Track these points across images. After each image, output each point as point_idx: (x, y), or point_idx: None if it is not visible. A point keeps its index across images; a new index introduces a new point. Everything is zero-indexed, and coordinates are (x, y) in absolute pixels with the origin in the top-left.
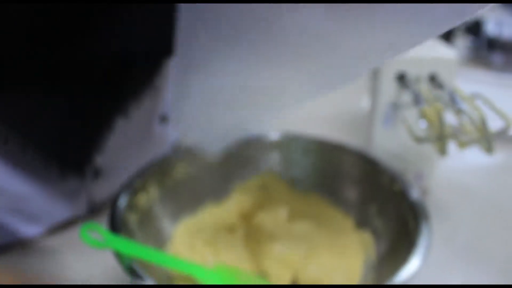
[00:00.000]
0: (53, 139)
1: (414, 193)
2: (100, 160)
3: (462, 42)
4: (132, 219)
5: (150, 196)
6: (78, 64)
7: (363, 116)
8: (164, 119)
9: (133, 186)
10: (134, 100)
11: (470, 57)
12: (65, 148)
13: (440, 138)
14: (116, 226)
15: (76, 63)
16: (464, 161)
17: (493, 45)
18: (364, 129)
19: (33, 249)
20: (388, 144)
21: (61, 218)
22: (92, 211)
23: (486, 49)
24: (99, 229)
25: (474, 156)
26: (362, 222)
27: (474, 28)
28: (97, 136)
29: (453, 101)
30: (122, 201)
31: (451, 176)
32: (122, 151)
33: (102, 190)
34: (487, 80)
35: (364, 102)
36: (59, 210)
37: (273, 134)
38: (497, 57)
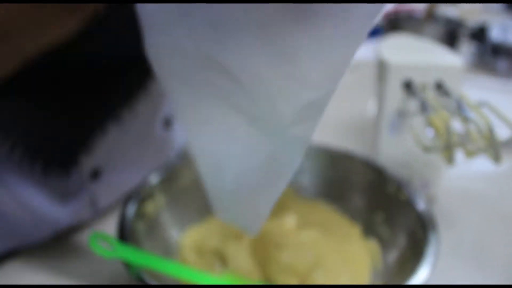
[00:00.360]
0: (41, 138)
1: (421, 203)
2: (93, 161)
3: (467, 48)
4: (140, 227)
5: (157, 204)
6: (70, 68)
7: (369, 121)
8: (167, 122)
9: (140, 194)
10: (126, 105)
11: (475, 63)
12: (52, 148)
13: (447, 147)
14: (125, 235)
15: (67, 67)
16: (470, 168)
17: (498, 51)
18: (370, 135)
19: (39, 254)
20: (394, 151)
21: (65, 222)
22: (97, 215)
23: (491, 55)
24: (108, 238)
25: (480, 163)
26: (369, 230)
27: (479, 34)
28: (87, 139)
29: (460, 109)
30: (130, 210)
31: (458, 183)
32: (121, 153)
33: (104, 192)
34: (492, 86)
35: (370, 107)
36: (62, 214)
37: None
38: (502, 63)
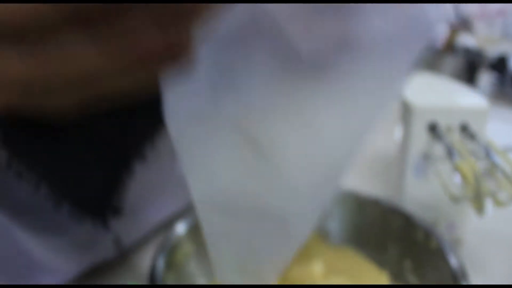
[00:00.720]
0: (67, 179)
1: (452, 252)
2: (117, 201)
3: (487, 78)
4: (170, 278)
5: (186, 254)
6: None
7: (393, 158)
8: None
9: (169, 244)
10: (149, 142)
11: (495, 94)
12: (85, 193)
13: (476, 196)
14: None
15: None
16: (498, 209)
17: None
18: (394, 174)
19: None
20: (420, 194)
21: (90, 263)
22: (121, 254)
23: (511, 86)
24: None
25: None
26: (397, 279)
27: (498, 64)
28: (116, 181)
29: (487, 154)
30: (160, 261)
31: (485, 225)
32: (145, 192)
33: (127, 229)
34: None
35: (395, 144)
36: (86, 256)
37: None
38: None
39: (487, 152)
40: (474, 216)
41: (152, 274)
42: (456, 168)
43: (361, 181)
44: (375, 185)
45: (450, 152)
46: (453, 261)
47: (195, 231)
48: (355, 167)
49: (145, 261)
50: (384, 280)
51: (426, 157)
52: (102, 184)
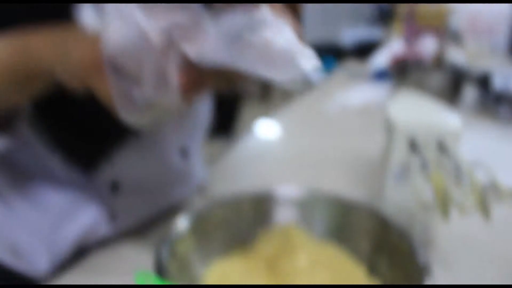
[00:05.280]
0: (66, 137)
1: (420, 252)
2: (113, 172)
3: (471, 94)
4: (173, 266)
5: (187, 245)
6: None
7: (376, 163)
8: (184, 152)
9: (173, 236)
10: None
11: (478, 109)
12: (75, 148)
13: (443, 205)
14: (161, 273)
15: None
16: (466, 216)
17: (500, 98)
18: (376, 177)
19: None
20: (398, 199)
21: (85, 229)
22: (116, 233)
23: (494, 102)
24: (151, 277)
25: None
26: (373, 271)
27: (483, 82)
28: (107, 146)
29: (456, 170)
30: (164, 251)
31: (455, 228)
32: (140, 172)
33: (123, 208)
34: (494, 132)
35: (378, 150)
36: (83, 218)
37: (297, 191)
38: (504, 110)
39: (456, 167)
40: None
41: (159, 261)
42: (429, 180)
43: (346, 183)
44: (358, 188)
45: (425, 165)
46: (420, 260)
47: (195, 225)
48: (341, 171)
49: (144, 247)
50: (362, 273)
51: (405, 167)
52: (95, 148)
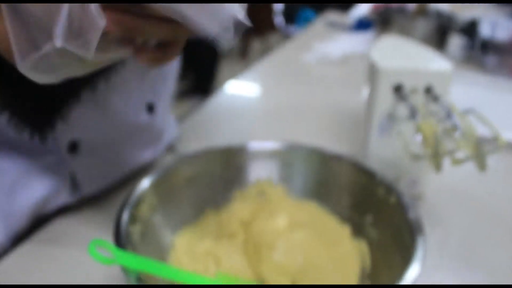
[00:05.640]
0: (20, 100)
1: (410, 207)
2: (71, 132)
3: (457, 42)
4: (135, 231)
5: (150, 207)
6: None
7: (359, 116)
8: (151, 108)
9: (134, 198)
10: (102, 74)
11: (464, 58)
12: (27, 108)
13: (435, 155)
14: (121, 240)
15: None
16: (458, 167)
17: (487, 47)
18: (360, 131)
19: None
20: (383, 152)
21: (44, 195)
22: (79, 200)
23: (480, 51)
24: (107, 245)
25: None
26: (358, 231)
27: (469, 29)
28: (61, 103)
29: (448, 116)
30: (125, 215)
31: (445, 181)
32: (101, 130)
33: (85, 172)
34: (480, 82)
35: (361, 102)
36: (41, 187)
37: (272, 143)
38: (490, 59)
39: (448, 114)
40: (434, 173)
41: (117, 227)
42: (418, 129)
43: (328, 138)
44: (341, 142)
45: (413, 113)
46: (411, 215)
47: (159, 184)
48: (322, 124)
49: (108, 214)
50: (346, 233)
51: (391, 117)
52: (49, 106)
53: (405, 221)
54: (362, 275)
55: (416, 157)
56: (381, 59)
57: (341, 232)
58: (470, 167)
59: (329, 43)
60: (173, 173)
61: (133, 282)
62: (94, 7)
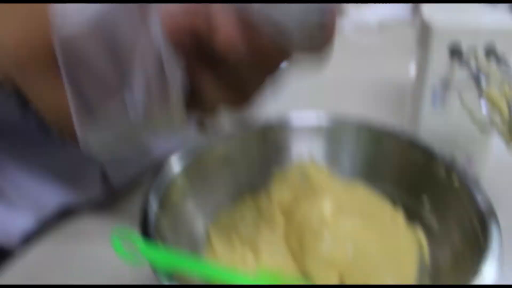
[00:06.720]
0: None
1: (478, 190)
2: None
3: None
4: (165, 220)
5: (181, 192)
6: None
7: (407, 90)
8: None
9: (163, 182)
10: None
11: None
12: None
13: (509, 125)
14: (149, 231)
15: None
16: None
17: None
18: (407, 105)
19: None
20: (436, 125)
21: (74, 197)
22: (112, 194)
23: None
24: (133, 238)
25: None
26: (414, 219)
27: None
28: None
29: None
30: (153, 202)
31: (506, 160)
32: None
33: (114, 165)
34: None
35: (409, 74)
36: (70, 186)
37: (316, 116)
38: None
39: None
40: (494, 150)
41: (145, 216)
42: (485, 96)
43: (373, 112)
44: (388, 116)
45: (476, 78)
46: (480, 200)
47: (190, 166)
48: (366, 97)
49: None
50: (400, 221)
51: (446, 85)
52: None
53: (473, 206)
54: (421, 270)
55: (486, 130)
56: (435, 17)
57: (396, 219)
58: None
59: (364, 10)
60: (206, 154)
61: (164, 281)
62: None
